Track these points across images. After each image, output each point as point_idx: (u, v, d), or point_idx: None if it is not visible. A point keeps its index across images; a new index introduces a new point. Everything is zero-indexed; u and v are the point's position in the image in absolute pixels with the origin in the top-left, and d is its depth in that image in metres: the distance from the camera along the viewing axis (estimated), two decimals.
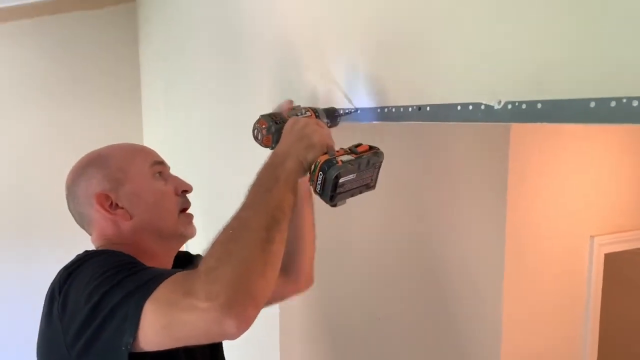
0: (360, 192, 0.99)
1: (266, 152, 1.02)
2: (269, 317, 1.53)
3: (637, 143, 2.23)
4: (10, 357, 3.56)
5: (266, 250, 0.82)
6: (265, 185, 0.92)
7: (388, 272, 1.62)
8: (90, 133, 3.61)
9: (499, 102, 0.78)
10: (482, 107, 0.81)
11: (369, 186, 1.01)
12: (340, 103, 1.19)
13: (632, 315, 2.83)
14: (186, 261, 1.23)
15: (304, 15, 1.33)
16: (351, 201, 0.98)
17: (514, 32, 0.75)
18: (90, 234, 1.10)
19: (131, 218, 1.06)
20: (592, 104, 0.64)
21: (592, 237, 2.12)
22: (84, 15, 3.68)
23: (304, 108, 1.12)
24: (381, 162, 1.00)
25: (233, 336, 0.77)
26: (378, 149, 1.00)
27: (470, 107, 0.83)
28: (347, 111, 1.15)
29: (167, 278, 0.81)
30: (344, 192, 0.95)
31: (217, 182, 2.06)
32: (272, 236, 0.84)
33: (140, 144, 1.20)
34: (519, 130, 1.67)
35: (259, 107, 1.53)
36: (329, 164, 0.92)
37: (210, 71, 2.07)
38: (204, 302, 0.75)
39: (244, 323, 0.76)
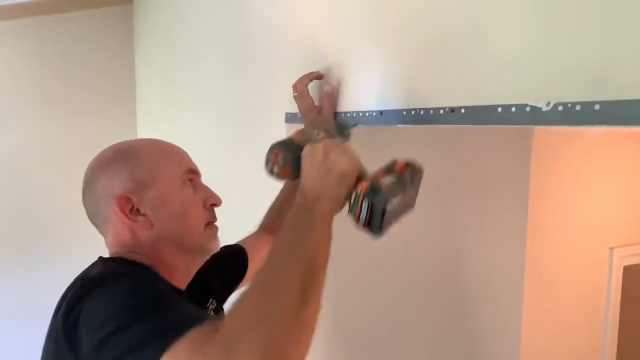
0: (404, 214, 0.88)
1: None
2: None
3: None
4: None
5: (301, 314, 0.69)
6: (298, 233, 0.79)
7: (405, 281, 1.55)
8: (83, 134, 3.55)
9: (548, 104, 0.71)
10: (528, 108, 0.74)
11: (411, 205, 0.90)
12: (362, 105, 1.12)
13: None
14: (230, 258, 1.19)
15: (325, 12, 1.27)
16: None
17: (566, 25, 0.68)
18: (104, 235, 0.99)
19: (152, 227, 0.95)
20: None
21: (611, 249, 2.05)
22: (79, 16, 3.62)
23: (316, 130, 1.00)
24: (422, 177, 0.90)
25: None
26: (416, 163, 0.89)
27: (514, 109, 0.76)
28: (355, 123, 1.08)
29: (190, 328, 0.68)
30: (390, 218, 0.83)
31: (226, 187, 1.99)
32: (308, 295, 0.70)
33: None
34: (542, 136, 1.61)
35: (271, 109, 1.48)
36: (373, 191, 0.81)
37: (219, 72, 2.01)
38: None
39: None
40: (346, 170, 0.84)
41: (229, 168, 1.94)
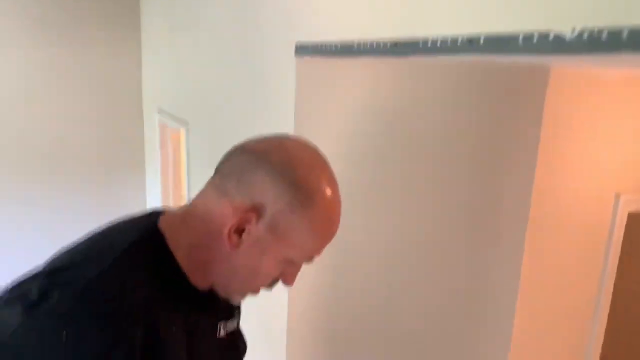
0: None
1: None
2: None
3: None
4: None
5: None
6: None
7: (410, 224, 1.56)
8: (86, 63, 3.51)
9: (573, 30, 0.68)
10: (551, 36, 0.71)
11: None
12: (368, 35, 1.08)
13: None
14: None
15: None
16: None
17: None
18: (204, 198, 0.87)
19: (232, 250, 0.84)
20: None
21: (617, 194, 2.05)
22: None
23: None
24: None
25: None
26: None
27: (536, 38, 0.73)
28: None
29: None
30: None
31: (232, 120, 1.98)
32: None
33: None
34: (558, 76, 1.57)
35: (277, 40, 1.44)
36: None
37: (224, 9, 1.95)
38: None
39: None
40: None
41: (235, 103, 1.92)
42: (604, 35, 0.64)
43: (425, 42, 0.95)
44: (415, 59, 1.00)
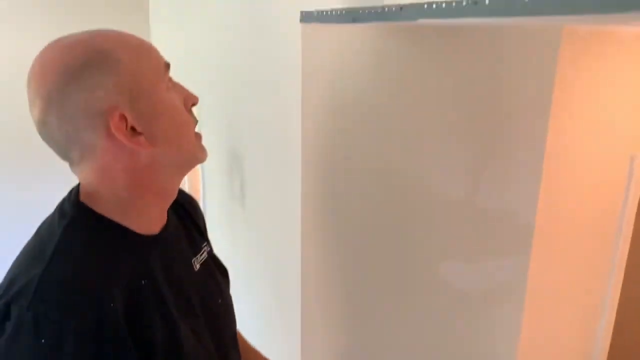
0: None
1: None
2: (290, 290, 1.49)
3: None
4: None
5: None
6: None
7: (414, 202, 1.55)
8: None
9: None
10: None
11: None
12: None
13: None
14: (187, 206, 1.06)
15: None
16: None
17: None
18: (80, 168, 0.82)
19: (151, 146, 0.80)
20: None
21: (632, 156, 2.01)
22: None
23: None
24: None
25: None
26: None
27: None
28: None
29: None
30: None
31: (237, 91, 1.97)
32: None
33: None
34: (571, 36, 1.53)
35: (284, 6, 1.42)
36: None
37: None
38: None
39: None
40: None
41: (242, 73, 1.90)
42: None
43: (430, 4, 0.93)
44: (422, 22, 0.98)
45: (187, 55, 2.78)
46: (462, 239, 1.62)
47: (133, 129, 0.79)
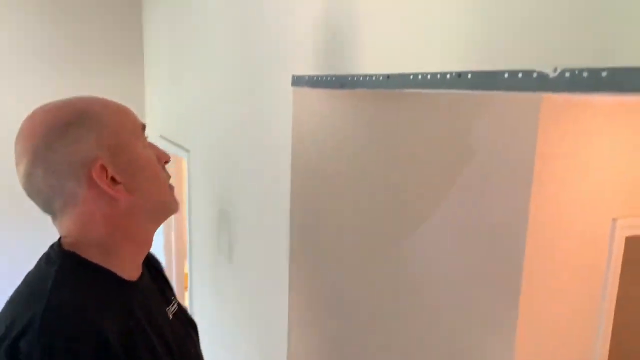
0: None
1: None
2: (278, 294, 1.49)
3: None
4: None
5: None
6: None
7: (407, 245, 1.57)
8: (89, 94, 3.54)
9: (555, 70, 0.71)
10: (535, 75, 0.73)
11: None
12: (369, 68, 1.11)
13: None
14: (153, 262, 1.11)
15: None
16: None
17: None
18: (62, 217, 0.89)
19: (130, 196, 0.88)
20: None
21: (614, 219, 2.06)
22: None
23: None
24: None
25: None
26: None
27: (520, 75, 0.76)
28: None
29: None
30: None
31: (232, 151, 2.00)
32: None
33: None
34: (550, 103, 1.60)
35: (277, 71, 1.47)
36: None
37: (226, 33, 1.99)
38: None
39: None
40: None
41: (235, 132, 1.95)
42: (585, 74, 0.66)
43: (416, 75, 0.98)
44: (408, 92, 1.03)
45: (180, 114, 2.84)
46: (451, 308, 1.62)
47: (113, 179, 0.87)
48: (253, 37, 1.72)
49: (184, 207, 2.78)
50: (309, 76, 1.33)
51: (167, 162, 1.00)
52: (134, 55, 3.75)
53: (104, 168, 0.85)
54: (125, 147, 0.89)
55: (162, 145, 3.19)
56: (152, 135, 3.64)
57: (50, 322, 0.78)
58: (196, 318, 1.24)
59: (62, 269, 0.85)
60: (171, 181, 1.00)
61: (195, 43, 2.46)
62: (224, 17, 2.01)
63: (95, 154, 0.84)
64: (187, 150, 2.59)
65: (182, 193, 2.86)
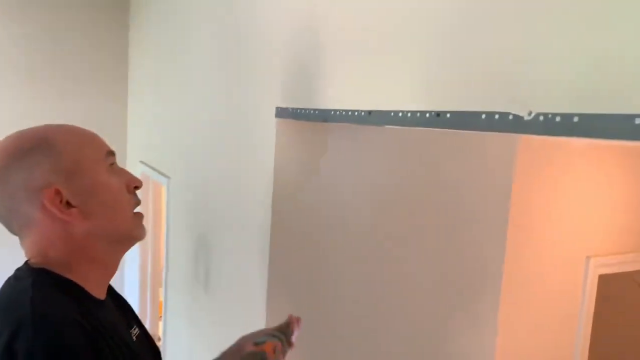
0: None
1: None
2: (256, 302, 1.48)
3: (636, 163, 2.21)
4: None
5: None
6: None
7: (384, 282, 1.57)
8: (72, 117, 3.51)
9: (530, 113, 0.73)
10: (511, 117, 0.76)
11: None
12: (352, 104, 1.14)
13: (623, 335, 2.82)
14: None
15: (317, 9, 1.28)
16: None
17: (549, 38, 0.71)
18: (22, 237, 0.92)
19: (85, 220, 0.90)
20: (638, 120, 0.60)
21: (588, 257, 2.09)
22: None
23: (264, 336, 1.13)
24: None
25: None
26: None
27: (497, 117, 0.78)
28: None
29: None
30: None
31: (214, 179, 2.00)
32: None
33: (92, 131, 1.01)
34: (526, 144, 1.64)
35: (261, 102, 1.49)
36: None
37: (211, 64, 2.01)
38: None
39: None
40: None
41: (215, 160, 1.95)
42: (558, 119, 0.69)
43: (396, 112, 1.00)
44: (388, 128, 1.05)
45: (162, 140, 2.84)
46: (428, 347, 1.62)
47: (68, 203, 0.88)
48: (237, 67, 1.74)
49: (162, 233, 2.76)
50: (292, 108, 1.35)
51: (137, 187, 1.00)
52: (118, 80, 3.76)
53: (58, 192, 0.87)
54: (82, 173, 0.91)
55: (142, 170, 3.17)
56: (132, 160, 3.62)
57: (41, 321, 0.79)
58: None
59: (37, 281, 0.87)
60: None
61: (179, 70, 2.48)
62: (210, 45, 2.04)
63: (50, 179, 0.87)
64: (167, 177, 2.58)
65: (161, 219, 2.83)
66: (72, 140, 0.93)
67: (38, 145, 0.89)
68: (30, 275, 0.88)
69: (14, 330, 0.78)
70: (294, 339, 1.17)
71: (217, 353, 1.14)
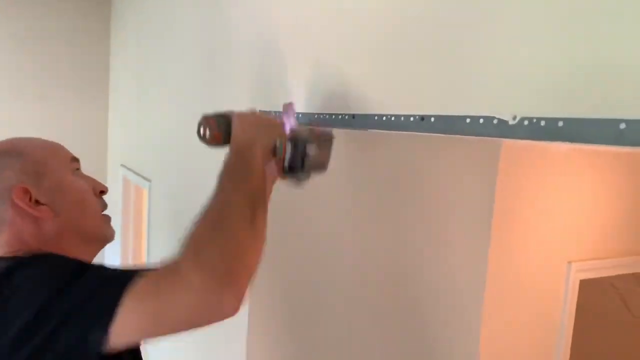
0: (319, 171, 1.04)
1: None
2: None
3: (617, 169, 2.24)
4: None
5: (254, 225, 0.82)
6: (238, 174, 0.90)
7: (365, 289, 1.56)
8: (53, 124, 3.47)
9: (514, 118, 0.73)
10: (495, 121, 0.75)
11: (324, 166, 1.06)
12: (336, 108, 1.13)
13: (604, 341, 2.84)
14: None
15: (298, 17, 1.27)
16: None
17: (535, 41, 0.70)
18: None
19: (55, 216, 0.94)
20: (623, 125, 0.60)
21: (569, 262, 2.11)
22: (53, 2, 3.54)
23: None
24: (333, 140, 1.07)
25: (230, 312, 0.75)
26: (328, 131, 1.07)
27: (481, 121, 0.78)
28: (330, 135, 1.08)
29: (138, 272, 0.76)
30: (309, 165, 0.99)
31: (194, 184, 1.98)
32: (256, 214, 0.84)
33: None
34: (509, 149, 1.65)
35: (238, 106, 1.47)
36: (295, 137, 0.98)
37: (194, 67, 1.99)
38: (200, 277, 0.72)
39: (241, 296, 0.74)
40: (272, 124, 1.02)
41: (199, 165, 1.93)
42: (542, 123, 0.69)
43: (380, 116, 0.99)
44: (372, 132, 1.04)
45: (142, 143, 2.80)
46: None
47: (37, 201, 0.93)
48: (214, 71, 1.72)
49: (143, 237, 2.72)
50: (275, 112, 1.34)
51: (103, 192, 1.05)
52: (99, 84, 3.71)
53: (27, 191, 0.92)
54: (50, 173, 0.96)
55: (123, 174, 3.13)
56: (114, 164, 3.58)
57: (39, 253, 0.88)
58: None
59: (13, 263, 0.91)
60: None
61: (159, 75, 2.45)
62: (188, 50, 2.01)
63: (20, 178, 0.93)
64: (149, 180, 2.55)
65: (143, 223, 2.79)
66: (38, 146, 1.00)
67: (6, 151, 0.97)
68: (6, 262, 0.89)
69: (17, 261, 0.85)
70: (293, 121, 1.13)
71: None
